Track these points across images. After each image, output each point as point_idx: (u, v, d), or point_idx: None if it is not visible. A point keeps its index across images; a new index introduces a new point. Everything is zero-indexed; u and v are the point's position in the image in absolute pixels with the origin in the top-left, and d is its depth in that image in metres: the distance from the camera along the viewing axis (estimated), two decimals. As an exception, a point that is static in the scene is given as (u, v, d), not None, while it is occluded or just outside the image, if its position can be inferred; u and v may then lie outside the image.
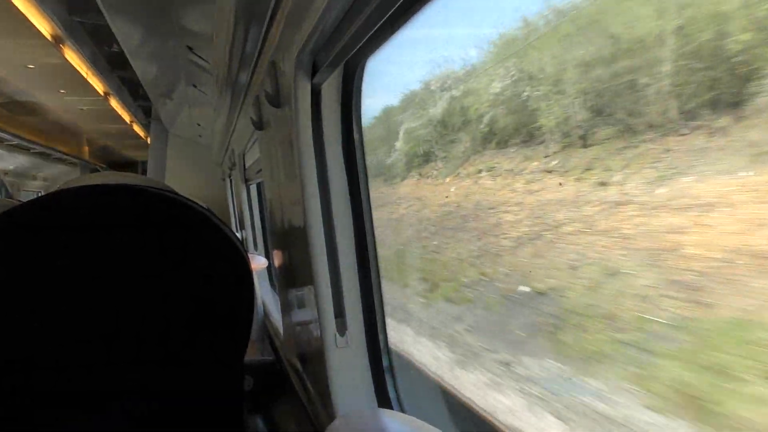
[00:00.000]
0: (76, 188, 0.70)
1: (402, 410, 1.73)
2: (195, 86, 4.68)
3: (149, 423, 0.64)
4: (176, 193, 0.75)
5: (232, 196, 6.66)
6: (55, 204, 0.67)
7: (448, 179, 3.12)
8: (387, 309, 1.77)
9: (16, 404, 0.59)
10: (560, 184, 2.22)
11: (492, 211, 2.66)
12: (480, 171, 2.80)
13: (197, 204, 0.74)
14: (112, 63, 8.29)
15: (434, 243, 3.38)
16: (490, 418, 2.19)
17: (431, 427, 0.86)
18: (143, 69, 4.63)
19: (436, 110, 3.06)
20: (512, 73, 2.51)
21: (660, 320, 1.68)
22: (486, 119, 2.75)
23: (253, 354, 3.42)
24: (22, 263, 0.61)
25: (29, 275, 0.61)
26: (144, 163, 17.17)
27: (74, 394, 0.60)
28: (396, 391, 1.74)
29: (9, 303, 0.60)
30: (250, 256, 0.75)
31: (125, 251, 0.64)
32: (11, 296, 0.60)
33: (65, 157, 16.96)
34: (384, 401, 1.73)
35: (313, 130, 1.67)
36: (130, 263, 0.64)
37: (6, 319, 0.59)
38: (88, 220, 0.65)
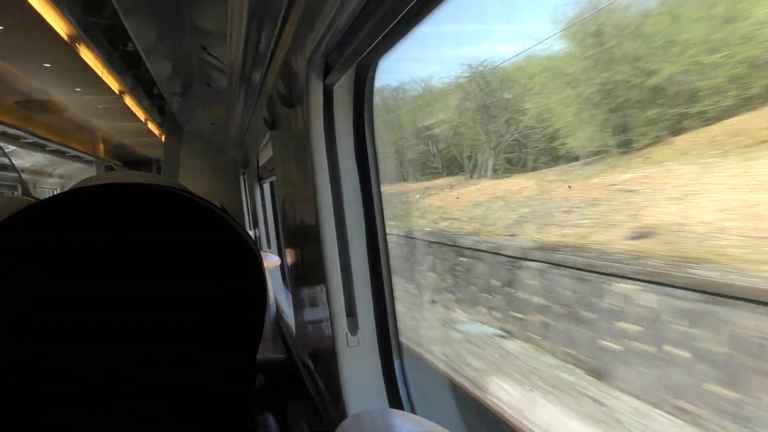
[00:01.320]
0: (92, 187, 0.70)
1: (413, 410, 1.74)
2: (209, 85, 4.70)
3: (160, 420, 0.65)
4: (190, 193, 0.76)
5: (246, 195, 6.69)
6: (72, 202, 0.68)
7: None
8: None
9: (27, 400, 0.60)
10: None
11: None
12: None
13: (211, 203, 0.74)
14: (127, 62, 8.35)
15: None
16: (503, 417, 2.19)
17: (442, 429, 0.86)
18: (158, 68, 4.66)
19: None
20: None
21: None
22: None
23: (265, 352, 3.44)
24: (38, 261, 0.62)
25: (44, 273, 0.62)
26: (158, 160, 17.31)
27: (86, 390, 0.61)
28: (407, 391, 1.74)
29: (23, 300, 0.61)
30: (263, 254, 0.76)
31: (139, 250, 0.65)
32: (25, 293, 0.61)
33: (81, 154, 17.06)
34: (395, 401, 1.73)
35: (325, 130, 1.68)
36: (144, 261, 0.65)
37: (19, 316, 0.60)
38: (103, 218, 0.66)
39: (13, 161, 14.40)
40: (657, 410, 2.10)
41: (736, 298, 1.81)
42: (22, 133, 12.58)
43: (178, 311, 0.65)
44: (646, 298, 2.14)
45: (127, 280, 0.63)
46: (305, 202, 1.87)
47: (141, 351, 0.63)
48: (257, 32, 1.99)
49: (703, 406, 1.92)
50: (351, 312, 1.72)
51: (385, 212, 1.74)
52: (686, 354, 1.99)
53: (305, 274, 2.16)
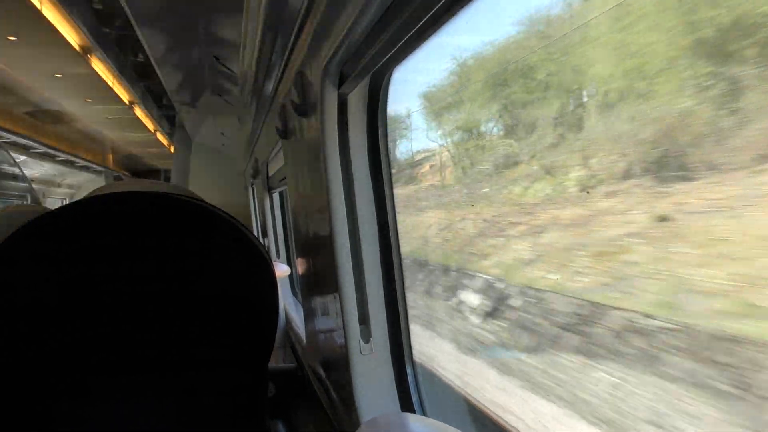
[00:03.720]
0: (104, 196, 0.71)
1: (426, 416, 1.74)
2: (220, 95, 4.72)
3: (172, 426, 0.65)
4: (202, 201, 0.76)
5: (255, 204, 6.69)
6: (85, 211, 0.69)
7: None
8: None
9: (39, 402, 0.61)
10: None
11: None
12: None
13: (222, 211, 0.75)
14: (138, 72, 8.43)
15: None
16: (511, 427, 2.18)
17: (458, 431, 0.86)
18: (169, 78, 4.68)
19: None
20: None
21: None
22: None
23: (274, 361, 3.44)
24: (51, 269, 0.63)
25: (57, 281, 0.62)
26: (167, 171, 17.37)
27: (97, 395, 0.62)
28: (420, 398, 1.74)
29: (37, 307, 0.61)
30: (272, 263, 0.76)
31: (151, 257, 0.66)
32: (39, 300, 0.62)
33: (90, 164, 17.16)
34: (408, 408, 1.73)
35: (339, 139, 1.69)
36: (156, 269, 0.66)
37: (33, 323, 0.61)
38: (115, 227, 0.67)
39: (23, 171, 14.49)
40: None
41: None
42: (32, 143, 12.69)
43: (190, 318, 0.66)
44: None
45: (138, 286, 0.64)
46: (318, 211, 1.88)
47: (153, 357, 0.64)
48: (272, 42, 2.01)
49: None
50: (364, 320, 1.72)
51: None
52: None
53: (317, 283, 2.16)
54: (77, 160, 15.90)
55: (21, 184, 14.46)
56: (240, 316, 0.71)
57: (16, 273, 0.63)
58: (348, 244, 1.71)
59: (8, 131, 11.09)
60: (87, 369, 0.62)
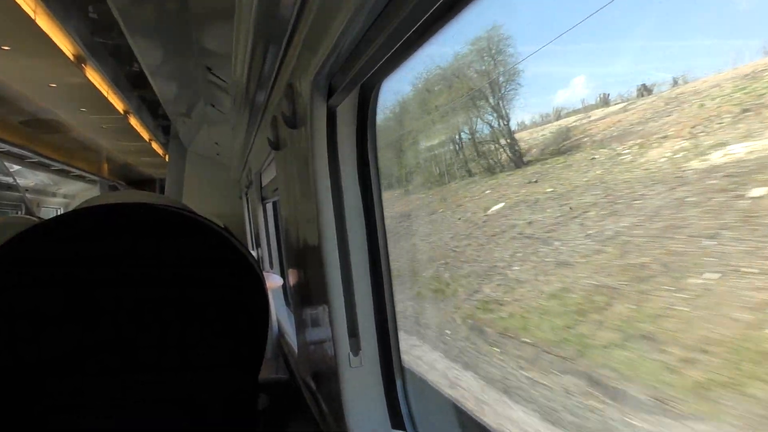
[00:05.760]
0: (97, 206, 0.72)
1: (415, 430, 1.73)
2: (213, 105, 4.72)
3: (168, 426, 0.65)
4: (193, 212, 0.77)
5: (249, 214, 6.69)
6: (76, 222, 0.69)
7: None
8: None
9: (34, 408, 0.61)
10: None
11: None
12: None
13: (214, 223, 0.75)
14: (133, 82, 8.43)
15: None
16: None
17: None
18: (163, 88, 4.69)
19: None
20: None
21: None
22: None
23: (267, 372, 3.42)
24: (44, 279, 0.63)
25: (51, 290, 0.62)
26: (162, 180, 17.36)
27: (84, 405, 0.62)
28: (409, 410, 1.73)
29: (32, 311, 0.61)
30: (265, 274, 0.77)
31: (142, 269, 0.66)
32: (33, 310, 0.62)
33: (85, 174, 17.14)
34: (397, 421, 1.72)
35: (328, 151, 1.69)
36: (146, 281, 0.66)
37: (28, 331, 0.61)
38: (106, 238, 0.67)
39: (18, 181, 14.46)
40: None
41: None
42: (26, 153, 12.65)
43: (180, 330, 0.66)
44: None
45: (130, 298, 0.64)
46: (308, 222, 1.88)
47: (144, 369, 0.64)
48: (262, 54, 2.01)
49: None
50: (353, 332, 1.71)
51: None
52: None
53: (307, 294, 2.15)
54: (72, 169, 15.86)
55: (15, 194, 14.45)
56: (230, 328, 0.70)
57: (11, 278, 0.63)
58: (337, 255, 1.71)
59: (2, 140, 11.06)
60: (83, 371, 0.62)
